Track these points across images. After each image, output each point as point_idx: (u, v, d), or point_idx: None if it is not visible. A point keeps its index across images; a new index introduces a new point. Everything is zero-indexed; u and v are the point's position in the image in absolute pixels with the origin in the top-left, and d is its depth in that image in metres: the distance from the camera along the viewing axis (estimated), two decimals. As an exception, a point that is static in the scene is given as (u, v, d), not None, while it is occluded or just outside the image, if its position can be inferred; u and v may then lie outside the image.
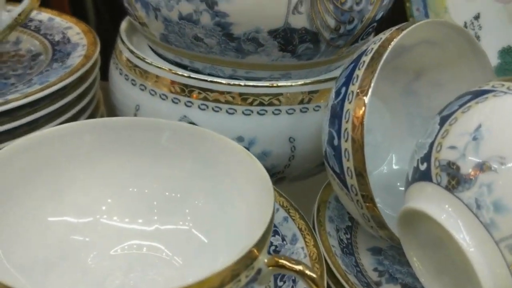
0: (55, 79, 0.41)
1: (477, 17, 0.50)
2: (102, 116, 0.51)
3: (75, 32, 0.51)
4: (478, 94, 0.29)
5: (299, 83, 0.40)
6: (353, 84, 0.33)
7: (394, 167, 0.44)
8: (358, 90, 0.33)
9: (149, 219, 0.32)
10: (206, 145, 0.32)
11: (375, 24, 0.41)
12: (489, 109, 0.27)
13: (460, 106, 0.29)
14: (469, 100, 0.29)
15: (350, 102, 0.33)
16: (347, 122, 0.33)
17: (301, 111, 0.40)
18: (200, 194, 0.33)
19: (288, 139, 0.40)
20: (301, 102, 0.40)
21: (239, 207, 0.31)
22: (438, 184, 0.27)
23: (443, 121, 0.29)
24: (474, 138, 0.26)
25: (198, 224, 0.32)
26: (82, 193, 0.32)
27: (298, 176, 0.44)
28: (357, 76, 0.33)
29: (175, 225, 0.32)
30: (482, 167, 0.26)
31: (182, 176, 0.33)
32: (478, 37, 0.50)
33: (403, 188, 0.33)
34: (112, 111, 0.48)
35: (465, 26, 0.50)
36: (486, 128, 0.26)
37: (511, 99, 0.27)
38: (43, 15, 0.54)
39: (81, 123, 0.33)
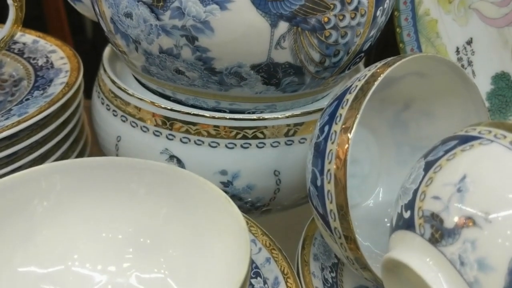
0: (34, 111, 0.40)
1: (469, 42, 0.48)
2: (86, 141, 0.50)
3: (59, 57, 0.50)
4: (464, 140, 0.27)
5: (284, 115, 0.39)
6: (336, 124, 0.32)
7: (382, 198, 0.43)
8: (341, 130, 0.31)
9: (123, 266, 0.31)
10: (185, 188, 0.31)
11: (362, 54, 0.40)
12: (474, 158, 0.26)
13: (446, 152, 0.28)
14: (454, 147, 0.27)
15: (333, 142, 0.32)
16: (329, 163, 0.32)
17: (286, 143, 0.39)
18: (177, 241, 0.32)
19: (273, 172, 0.39)
20: (286, 134, 0.39)
21: (217, 255, 0.29)
22: (421, 235, 0.26)
23: (427, 167, 0.28)
24: (459, 190, 0.25)
25: (175, 272, 0.31)
26: (53, 240, 0.31)
27: (284, 207, 0.43)
28: (340, 115, 0.32)
29: (149, 274, 0.31)
30: (466, 222, 0.24)
31: (158, 221, 0.32)
32: (471, 62, 0.49)
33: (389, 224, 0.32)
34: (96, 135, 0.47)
35: (458, 51, 0.49)
36: (471, 180, 0.25)
37: (497, 148, 0.26)
38: (27, 37, 0.53)
39: (52, 165, 0.32)
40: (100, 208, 0.32)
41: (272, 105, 0.40)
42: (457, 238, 0.25)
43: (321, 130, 0.33)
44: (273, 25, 0.33)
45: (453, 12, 0.48)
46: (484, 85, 0.49)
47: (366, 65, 0.61)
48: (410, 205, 0.28)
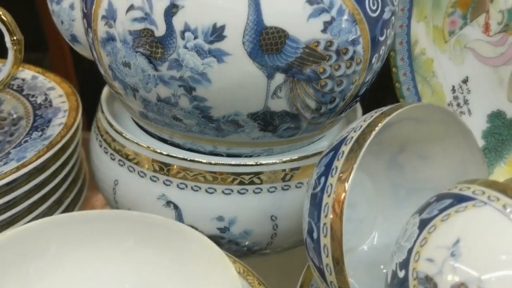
0: (33, 155, 0.40)
1: (465, 81, 0.49)
2: (84, 178, 0.50)
3: (58, 94, 0.50)
4: (459, 200, 0.28)
5: (281, 160, 0.39)
6: (332, 176, 0.32)
7: (378, 242, 0.43)
8: (337, 183, 0.32)
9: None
10: (181, 242, 0.32)
11: (358, 98, 0.40)
12: (468, 221, 0.26)
13: (440, 211, 0.28)
14: (449, 206, 0.28)
15: (329, 196, 0.32)
16: (325, 216, 0.32)
17: (282, 188, 0.39)
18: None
19: (270, 217, 0.39)
20: (283, 179, 0.39)
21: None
22: (417, 296, 0.26)
23: (422, 225, 0.28)
24: (452, 254, 0.25)
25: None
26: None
27: (282, 250, 0.43)
28: (336, 167, 0.32)
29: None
30: (459, 287, 0.25)
31: (154, 275, 0.32)
32: (466, 101, 0.49)
33: (385, 271, 0.32)
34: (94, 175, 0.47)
35: (454, 89, 0.49)
36: (464, 245, 0.25)
37: (490, 212, 0.26)
38: (27, 73, 0.54)
39: (51, 219, 0.32)
40: (96, 262, 0.32)
41: (269, 149, 0.40)
42: (451, 303, 0.25)
43: (318, 180, 0.33)
44: (270, 76, 0.33)
45: (449, 51, 0.48)
46: (480, 123, 0.49)
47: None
48: (404, 265, 0.28)
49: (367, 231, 0.43)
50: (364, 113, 0.60)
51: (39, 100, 0.50)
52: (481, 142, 0.49)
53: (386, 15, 0.36)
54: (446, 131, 0.38)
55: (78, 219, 0.32)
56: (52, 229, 0.31)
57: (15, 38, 0.42)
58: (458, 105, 0.49)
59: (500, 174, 0.49)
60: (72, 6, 0.41)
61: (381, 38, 0.36)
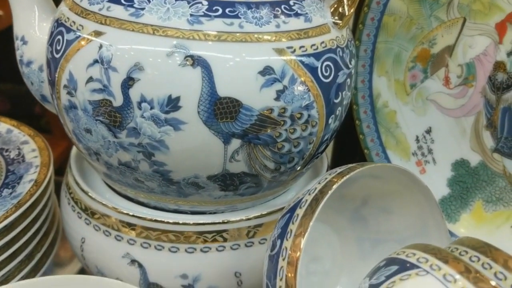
0: (1, 216, 0.41)
1: (428, 131, 0.50)
2: (57, 229, 0.50)
3: (31, 149, 0.51)
4: (404, 267, 0.28)
5: (244, 217, 0.40)
6: (287, 240, 0.33)
7: (344, 295, 0.44)
8: (291, 248, 0.32)
9: None
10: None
11: (319, 155, 0.41)
12: (410, 289, 0.27)
13: (387, 278, 0.29)
14: (395, 273, 0.29)
15: (283, 259, 0.33)
16: (281, 280, 0.32)
17: (246, 245, 0.40)
18: None
19: (234, 274, 0.40)
20: (247, 236, 0.40)
21: None
22: None
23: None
24: (395, 323, 0.26)
25: None
26: None
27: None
28: (291, 231, 0.33)
29: None
30: None
31: None
32: (431, 150, 0.51)
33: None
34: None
35: (417, 139, 0.50)
36: (406, 314, 0.26)
37: (431, 282, 0.27)
38: (2, 126, 0.55)
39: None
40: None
41: (233, 206, 0.41)
42: None
43: (274, 243, 0.34)
44: (226, 142, 0.34)
45: (411, 103, 0.50)
46: (444, 171, 0.50)
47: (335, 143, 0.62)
48: (353, 330, 0.29)
49: (333, 283, 0.43)
50: (332, 160, 0.61)
51: (12, 155, 0.51)
52: (446, 190, 0.51)
53: (340, 79, 0.37)
54: (405, 188, 0.40)
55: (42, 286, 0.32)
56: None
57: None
58: (423, 154, 0.51)
59: (465, 221, 0.50)
60: (41, 69, 0.43)
61: (336, 100, 0.38)
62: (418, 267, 0.28)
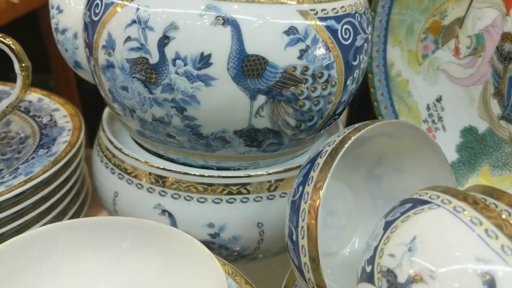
0: (39, 170, 0.44)
1: (439, 100, 0.53)
2: (87, 192, 0.54)
3: (62, 115, 0.54)
4: (417, 203, 0.31)
5: (266, 172, 0.43)
6: (308, 185, 0.36)
7: (359, 247, 0.46)
8: (312, 191, 0.35)
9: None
10: (174, 244, 0.35)
11: (336, 116, 0.44)
12: (423, 222, 0.30)
13: (402, 214, 0.32)
14: (409, 209, 0.31)
15: (305, 203, 0.35)
16: (303, 221, 0.35)
17: (268, 198, 0.43)
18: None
19: (257, 224, 0.43)
20: (268, 190, 0.43)
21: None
22: (380, 288, 0.30)
23: (386, 226, 0.32)
24: (410, 250, 0.29)
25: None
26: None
27: (269, 255, 0.47)
28: (312, 177, 0.36)
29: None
30: (414, 278, 0.28)
31: (149, 275, 0.35)
32: (441, 118, 0.53)
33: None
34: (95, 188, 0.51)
35: (428, 107, 0.53)
36: (420, 241, 0.29)
37: (442, 213, 0.29)
38: (33, 96, 0.58)
39: (53, 226, 0.35)
40: (97, 264, 0.35)
41: (255, 162, 0.44)
42: (408, 293, 0.28)
43: (297, 189, 0.37)
44: (252, 98, 0.37)
45: (423, 73, 0.52)
46: (453, 138, 0.53)
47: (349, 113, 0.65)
48: (371, 261, 0.31)
49: (348, 237, 0.46)
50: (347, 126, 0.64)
51: (45, 120, 0.54)
52: (455, 156, 0.53)
53: (358, 43, 0.40)
54: (417, 145, 0.42)
55: (83, 225, 0.36)
56: (58, 234, 0.35)
57: (23, 65, 0.46)
58: (433, 121, 0.53)
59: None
60: (75, 36, 0.46)
61: (355, 63, 0.40)
62: (430, 202, 0.31)
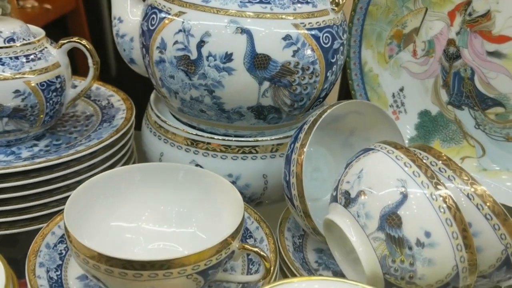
0: (107, 136, 0.61)
1: (402, 89, 0.70)
2: (135, 159, 0.71)
3: (116, 99, 0.71)
4: (366, 150, 0.48)
5: (269, 138, 0.60)
6: (297, 142, 0.53)
7: (337, 195, 0.63)
8: (300, 147, 0.52)
9: (170, 225, 0.52)
10: (206, 180, 0.52)
11: (321, 99, 0.61)
12: (368, 160, 0.47)
13: (356, 157, 0.48)
14: (360, 154, 0.48)
15: (295, 154, 0.52)
16: (293, 166, 0.52)
17: (270, 157, 0.60)
18: (201, 211, 0.53)
19: (262, 175, 0.60)
20: (271, 151, 0.60)
21: (225, 218, 0.50)
22: (341, 204, 0.47)
23: (346, 166, 0.49)
24: (358, 177, 0.46)
25: (200, 228, 0.52)
26: (132, 209, 0.52)
27: (271, 201, 0.64)
28: (300, 137, 0.53)
29: (185, 229, 0.52)
30: (360, 193, 0.45)
31: (190, 199, 0.53)
32: (403, 103, 0.70)
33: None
34: (142, 155, 0.68)
35: (393, 95, 0.70)
36: (365, 172, 0.46)
37: (380, 155, 0.46)
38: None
39: (133, 166, 0.53)
40: (159, 192, 0.53)
41: (262, 132, 0.61)
42: (356, 203, 0.45)
43: (290, 146, 0.54)
44: (260, 83, 0.54)
45: (389, 69, 0.69)
46: (413, 119, 0.70)
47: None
48: (336, 188, 0.48)
49: (328, 187, 0.63)
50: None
51: (103, 103, 0.71)
52: (414, 132, 0.70)
53: (335, 46, 0.57)
54: (378, 120, 0.59)
55: (151, 166, 0.53)
56: (134, 171, 0.52)
57: (95, 60, 0.64)
58: (397, 106, 0.70)
59: (427, 155, 0.69)
60: (131, 39, 0.63)
61: (333, 60, 0.57)
62: (374, 149, 0.48)
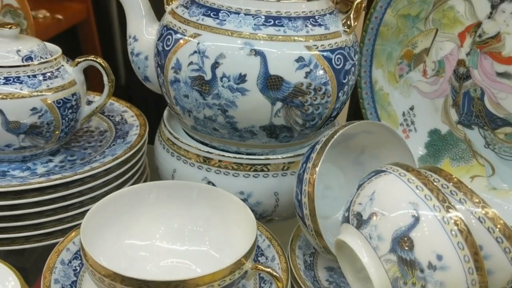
0: (121, 152, 0.62)
1: (412, 108, 0.70)
2: (147, 175, 0.72)
3: (130, 115, 0.73)
4: (378, 172, 0.49)
5: (281, 157, 0.60)
6: (309, 162, 0.54)
7: (347, 213, 0.64)
8: (312, 167, 0.53)
9: (183, 243, 0.53)
10: (219, 199, 0.53)
11: (332, 118, 0.62)
12: (380, 182, 0.47)
13: (368, 179, 0.49)
14: (372, 176, 0.49)
15: (307, 174, 0.53)
16: (305, 185, 0.53)
17: (282, 175, 0.61)
18: (214, 229, 0.53)
19: (274, 193, 0.61)
20: (282, 169, 0.61)
21: (237, 237, 0.51)
22: (353, 225, 0.47)
23: (358, 187, 0.49)
24: (370, 199, 0.47)
25: (213, 246, 0.52)
26: (146, 226, 0.53)
27: (282, 218, 0.65)
28: (312, 157, 0.54)
29: (198, 247, 0.53)
30: (372, 215, 0.46)
31: (204, 217, 0.53)
32: (413, 122, 0.71)
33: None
34: (155, 171, 0.69)
35: (404, 114, 0.71)
36: (377, 194, 0.46)
37: (392, 177, 0.47)
38: (106, 101, 0.76)
39: (148, 184, 0.54)
40: (173, 209, 0.54)
41: (274, 150, 0.62)
42: (368, 225, 0.46)
43: (302, 166, 0.55)
44: (273, 103, 0.55)
45: (400, 88, 0.70)
46: (422, 137, 0.71)
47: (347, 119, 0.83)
48: (348, 209, 0.49)
49: (339, 205, 0.64)
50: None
51: (117, 119, 0.72)
52: (424, 151, 0.71)
53: (347, 67, 0.58)
54: (388, 139, 0.60)
55: (166, 184, 0.54)
56: (149, 189, 0.53)
57: (110, 78, 0.65)
58: (407, 125, 0.71)
59: (437, 173, 0.70)
60: (146, 58, 0.64)
61: (344, 81, 0.58)
62: (385, 171, 0.48)
